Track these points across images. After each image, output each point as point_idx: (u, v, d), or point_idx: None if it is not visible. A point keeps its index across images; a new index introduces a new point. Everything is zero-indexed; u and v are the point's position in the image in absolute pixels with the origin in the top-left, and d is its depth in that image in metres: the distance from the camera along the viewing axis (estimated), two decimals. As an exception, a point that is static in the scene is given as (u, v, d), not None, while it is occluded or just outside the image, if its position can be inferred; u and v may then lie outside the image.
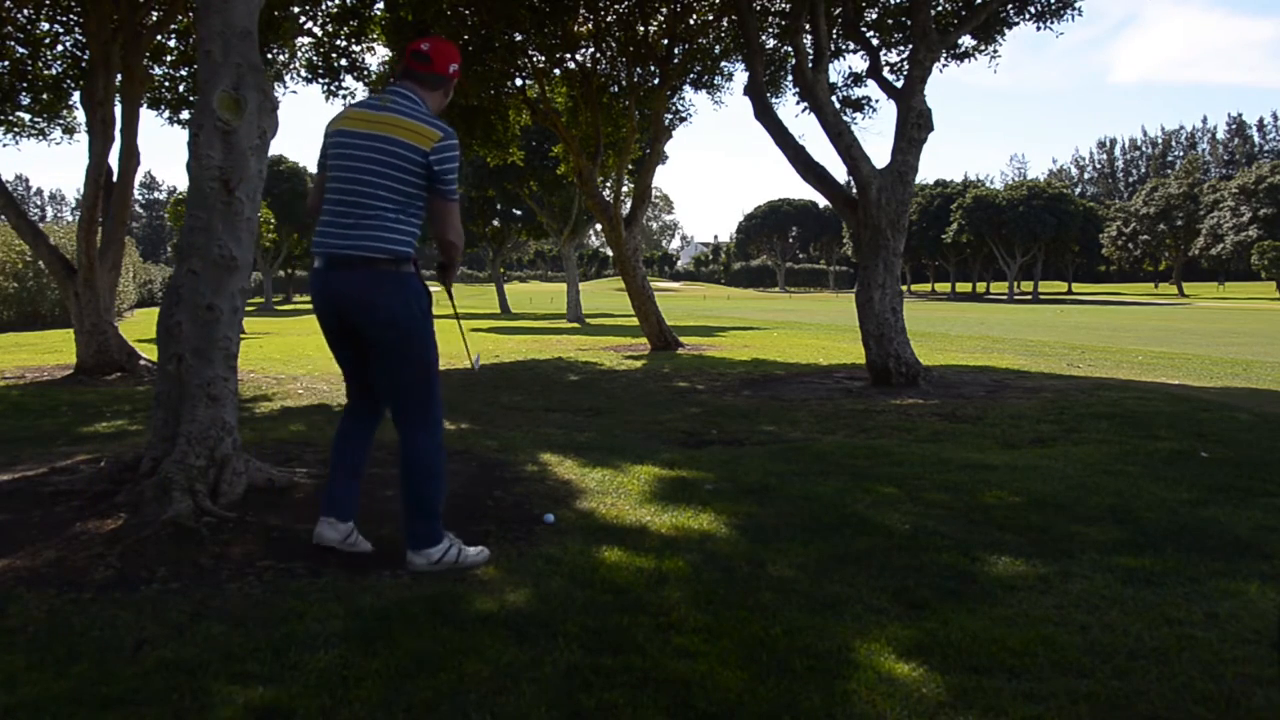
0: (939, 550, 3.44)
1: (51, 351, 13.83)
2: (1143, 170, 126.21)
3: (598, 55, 13.85)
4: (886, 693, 2.28)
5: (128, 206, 10.74)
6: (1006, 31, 11.11)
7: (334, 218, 3.12)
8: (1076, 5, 10.40)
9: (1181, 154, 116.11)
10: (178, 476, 3.81)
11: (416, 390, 3.21)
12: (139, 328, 19.05)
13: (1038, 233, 64.40)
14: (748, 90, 10.43)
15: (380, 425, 3.53)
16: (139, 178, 15.20)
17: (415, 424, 3.23)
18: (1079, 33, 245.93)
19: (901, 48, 11.64)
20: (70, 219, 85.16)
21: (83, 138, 10.43)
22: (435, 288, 3.28)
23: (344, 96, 12.70)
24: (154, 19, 10.48)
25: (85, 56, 10.81)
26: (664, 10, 13.24)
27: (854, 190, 9.61)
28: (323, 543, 3.33)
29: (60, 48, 11.43)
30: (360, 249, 3.07)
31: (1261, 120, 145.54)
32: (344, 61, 12.49)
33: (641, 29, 13.25)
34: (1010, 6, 10.59)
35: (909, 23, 10.35)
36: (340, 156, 3.14)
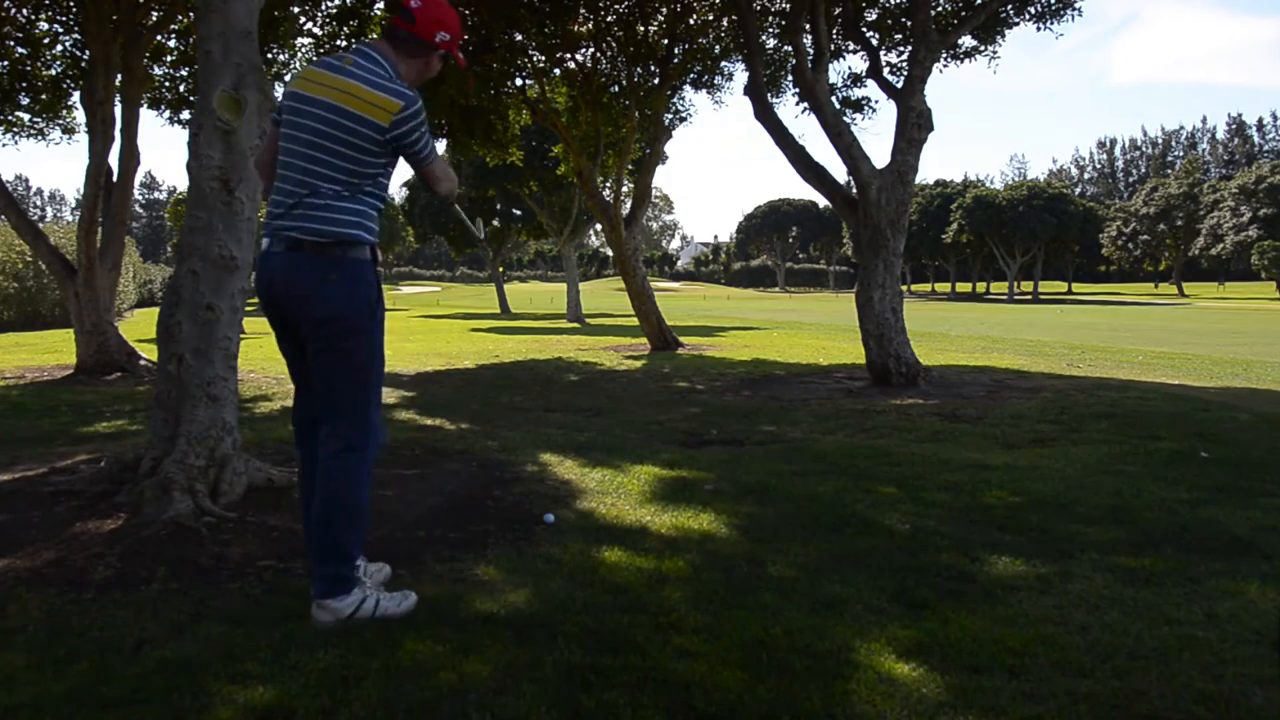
0: (939, 550, 3.44)
1: (51, 351, 13.83)
2: (1143, 170, 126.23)
3: (598, 55, 13.85)
4: (886, 693, 2.28)
5: (128, 206, 10.74)
6: (1006, 32, 11.13)
7: (280, 195, 2.71)
8: (1076, 5, 10.42)
9: (1181, 154, 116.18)
10: (178, 476, 3.82)
11: (349, 397, 2.72)
12: (139, 328, 19.05)
13: (1038, 233, 64.39)
14: (748, 90, 10.43)
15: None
16: (139, 178, 15.19)
17: (341, 442, 2.71)
18: (1079, 33, 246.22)
19: (901, 48, 11.65)
20: (70, 219, 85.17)
21: (83, 138, 10.44)
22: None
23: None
24: (154, 19, 10.48)
25: (85, 56, 10.80)
26: (664, 10, 13.24)
27: (854, 190, 9.61)
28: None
29: (60, 48, 11.43)
30: (300, 230, 2.65)
31: (1261, 120, 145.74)
32: (344, 62, 12.47)
33: (641, 29, 13.25)
34: (1010, 6, 10.59)
35: (909, 23, 10.35)
36: (290, 124, 2.72)
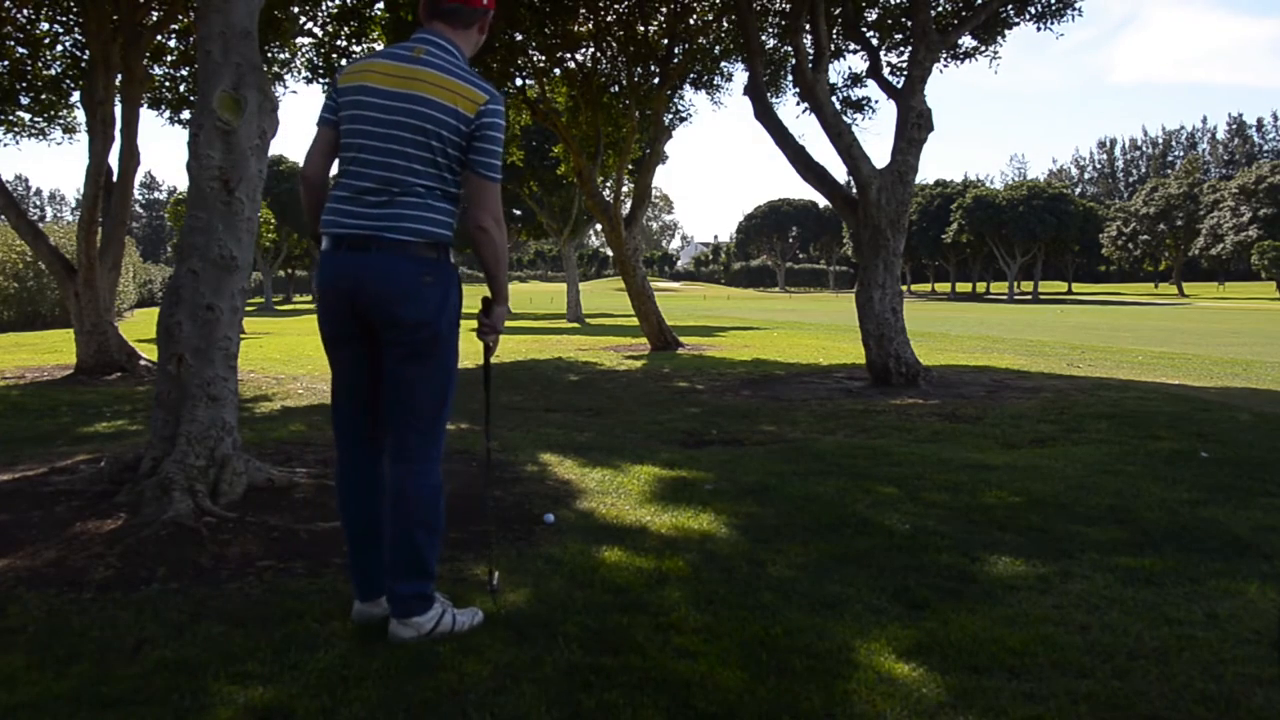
0: (939, 550, 3.44)
1: (51, 351, 13.83)
2: (1143, 170, 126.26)
3: (598, 55, 13.85)
4: (886, 693, 2.28)
5: (128, 206, 10.74)
6: (1006, 32, 11.12)
7: (357, 193, 2.55)
8: (1076, 5, 10.42)
9: (1181, 154, 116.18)
10: (178, 476, 3.82)
11: (431, 408, 2.63)
12: (139, 328, 19.05)
13: (1038, 233, 64.37)
14: (748, 90, 10.43)
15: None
16: (139, 178, 15.19)
17: (421, 452, 2.62)
18: (1079, 33, 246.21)
19: (901, 48, 11.64)
20: (70, 219, 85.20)
21: (83, 138, 10.44)
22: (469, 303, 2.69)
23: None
24: (154, 19, 10.48)
25: (85, 56, 10.81)
26: (664, 10, 13.25)
27: (854, 190, 9.61)
28: (365, 620, 2.72)
29: (60, 48, 11.43)
30: (395, 230, 2.52)
31: (1261, 120, 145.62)
32: (344, 61, 12.49)
33: (641, 29, 13.25)
34: (1010, 7, 10.59)
35: (909, 23, 10.35)
36: (364, 120, 2.56)
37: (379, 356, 2.65)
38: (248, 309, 4.78)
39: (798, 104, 10.68)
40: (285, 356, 12.97)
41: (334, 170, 2.73)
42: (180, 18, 10.75)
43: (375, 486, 2.71)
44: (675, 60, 13.64)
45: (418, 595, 2.60)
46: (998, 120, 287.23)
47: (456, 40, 2.64)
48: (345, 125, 2.61)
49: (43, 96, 11.60)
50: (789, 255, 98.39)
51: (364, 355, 2.67)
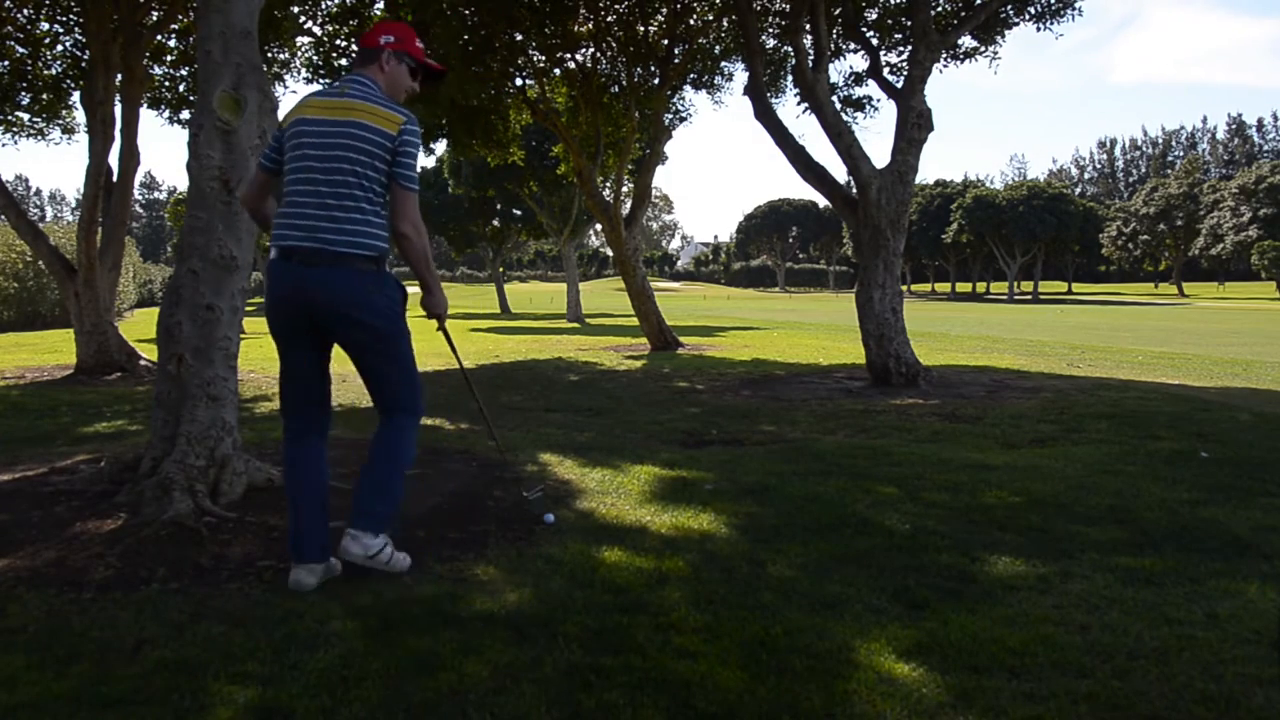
0: (939, 550, 3.44)
1: (51, 351, 13.83)
2: (1143, 170, 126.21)
3: (598, 55, 13.85)
4: (886, 693, 2.28)
5: (128, 206, 10.74)
6: (1006, 32, 11.12)
7: (301, 208, 2.93)
8: (1076, 5, 10.41)
9: (1181, 154, 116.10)
10: (178, 476, 3.82)
11: (406, 388, 3.15)
12: (139, 328, 19.05)
13: (1038, 233, 64.37)
14: (748, 90, 10.43)
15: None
16: (139, 178, 15.20)
17: (405, 411, 3.16)
18: (1079, 33, 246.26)
19: (901, 48, 11.64)
20: (70, 219, 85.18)
21: (83, 138, 10.45)
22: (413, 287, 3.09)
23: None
24: (154, 19, 10.48)
25: (85, 56, 10.81)
26: (664, 10, 13.25)
27: (854, 190, 9.61)
28: (302, 589, 3.01)
29: (60, 48, 11.43)
30: (343, 245, 2.90)
31: (1261, 120, 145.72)
32: (344, 61, 12.48)
33: (641, 29, 13.25)
34: (1010, 7, 10.59)
35: (909, 23, 10.34)
36: (306, 146, 2.95)
37: (327, 354, 3.15)
38: (248, 309, 4.79)
39: (798, 104, 10.67)
40: (285, 356, 12.96)
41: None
42: (180, 18, 10.75)
43: (321, 463, 3.18)
44: (675, 60, 13.64)
45: (381, 516, 3.06)
46: (998, 120, 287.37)
47: (373, 76, 3.12)
48: (290, 154, 3.02)
49: (43, 96, 11.59)
50: (789, 255, 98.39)
51: (315, 355, 3.13)
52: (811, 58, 9.83)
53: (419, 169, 3.09)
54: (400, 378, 3.13)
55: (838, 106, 10.96)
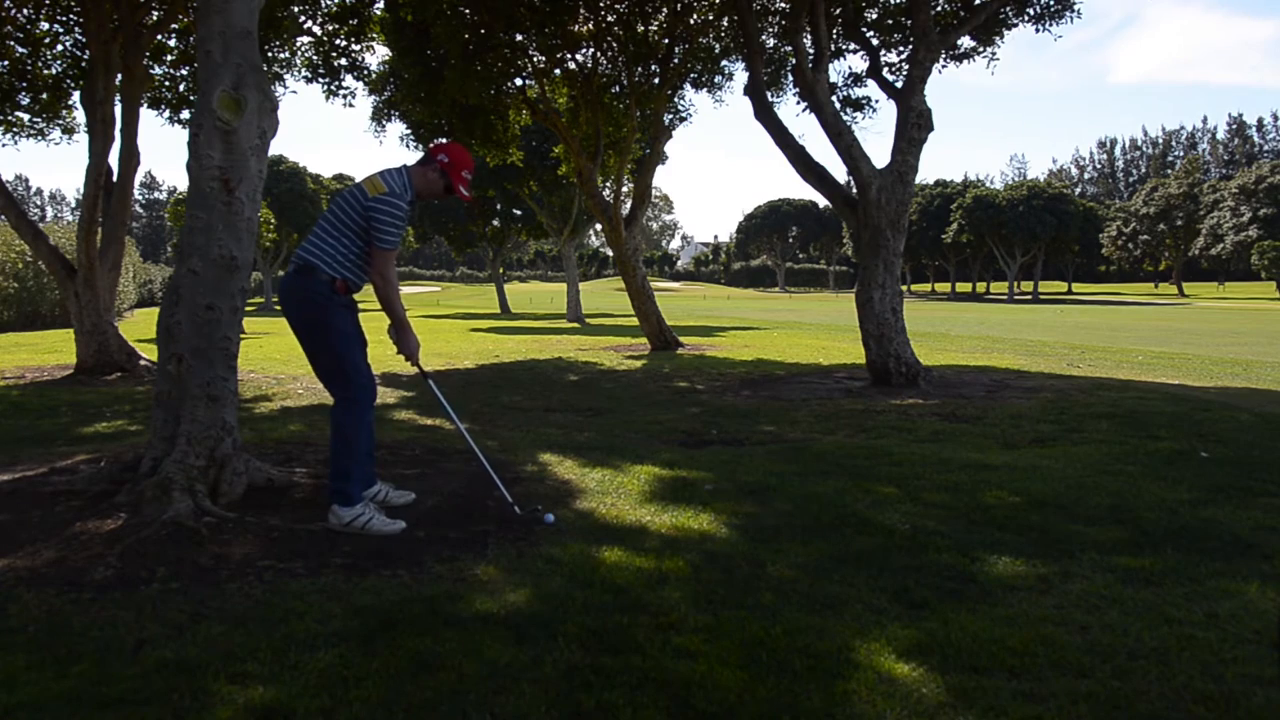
0: (939, 550, 3.44)
1: (51, 351, 13.83)
2: (1143, 170, 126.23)
3: (598, 55, 13.85)
4: (886, 693, 2.28)
5: (128, 206, 10.74)
6: (1006, 32, 11.12)
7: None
8: (1075, 7, 10.40)
9: (1181, 154, 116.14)
10: (178, 476, 3.82)
11: (333, 374, 3.83)
12: (139, 328, 19.04)
13: (1038, 233, 64.36)
14: (748, 90, 10.43)
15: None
16: (139, 178, 15.20)
17: (337, 400, 3.85)
18: (1079, 33, 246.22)
19: (901, 48, 11.64)
20: (70, 219, 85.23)
21: (83, 138, 10.45)
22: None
23: (344, 96, 12.73)
24: (154, 19, 10.48)
25: (85, 56, 10.81)
26: (664, 10, 13.24)
27: (854, 190, 9.61)
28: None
29: (60, 48, 11.43)
30: (296, 256, 3.81)
31: (1261, 120, 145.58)
32: (344, 61, 12.49)
33: (641, 29, 13.25)
34: (1010, 7, 10.59)
35: (909, 23, 10.35)
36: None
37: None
38: (248, 309, 4.80)
39: (798, 104, 10.69)
40: (285, 356, 12.97)
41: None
42: (180, 18, 10.75)
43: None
44: (675, 60, 13.64)
45: (341, 492, 3.69)
46: (998, 120, 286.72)
47: (413, 167, 3.94)
48: None
49: (43, 96, 11.58)
50: (789, 255, 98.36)
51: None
52: (811, 58, 9.83)
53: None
54: (327, 368, 3.88)
55: (838, 106, 10.96)
